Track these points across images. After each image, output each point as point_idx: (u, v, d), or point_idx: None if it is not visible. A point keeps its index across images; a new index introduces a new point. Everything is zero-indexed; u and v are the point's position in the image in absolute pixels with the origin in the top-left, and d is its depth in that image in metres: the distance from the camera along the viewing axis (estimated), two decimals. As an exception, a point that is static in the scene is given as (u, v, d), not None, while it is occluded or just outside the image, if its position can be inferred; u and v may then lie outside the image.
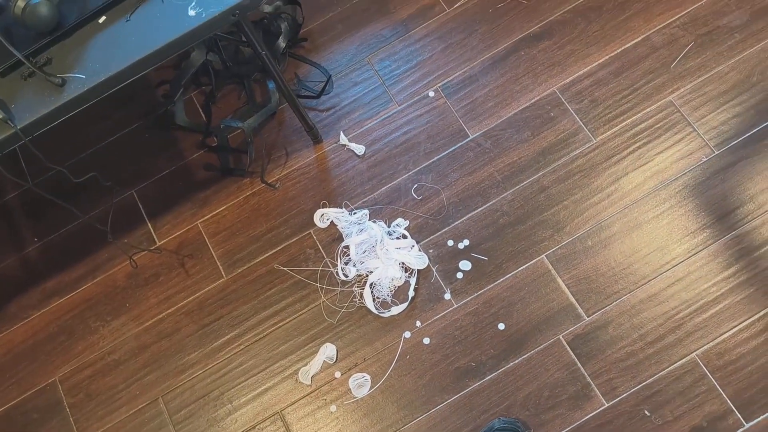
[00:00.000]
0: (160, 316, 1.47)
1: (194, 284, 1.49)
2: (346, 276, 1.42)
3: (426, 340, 1.36)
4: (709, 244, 1.34)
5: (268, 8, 1.60)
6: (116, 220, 1.54)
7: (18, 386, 1.47)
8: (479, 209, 1.44)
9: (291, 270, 1.46)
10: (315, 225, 1.49)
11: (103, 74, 1.03)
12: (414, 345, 1.37)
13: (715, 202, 1.36)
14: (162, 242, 1.53)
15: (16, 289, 1.55)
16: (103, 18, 1.06)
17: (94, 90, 1.03)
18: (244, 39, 1.57)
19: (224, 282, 1.48)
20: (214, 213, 1.54)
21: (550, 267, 1.38)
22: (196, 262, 1.50)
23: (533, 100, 1.51)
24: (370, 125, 1.55)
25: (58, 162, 1.61)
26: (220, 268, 1.49)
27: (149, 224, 1.55)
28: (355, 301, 1.41)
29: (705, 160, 1.40)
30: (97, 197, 1.58)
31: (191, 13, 1.04)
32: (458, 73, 1.56)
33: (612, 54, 1.51)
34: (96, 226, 1.51)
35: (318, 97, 1.58)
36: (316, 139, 1.55)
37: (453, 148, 1.50)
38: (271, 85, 1.59)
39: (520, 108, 1.51)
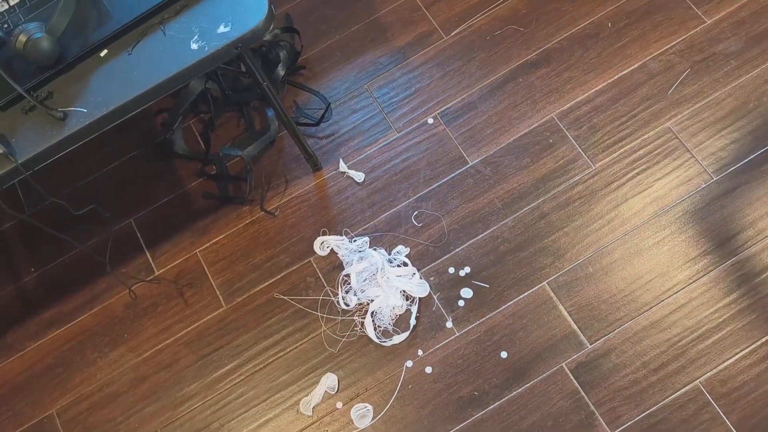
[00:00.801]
0: (159, 346, 1.46)
1: (193, 314, 1.48)
2: (347, 305, 1.41)
3: (428, 369, 1.35)
4: (710, 271, 1.34)
5: (266, 36, 1.61)
6: (114, 249, 1.53)
7: (14, 420, 1.44)
8: (480, 236, 1.44)
9: (291, 299, 1.45)
10: (315, 253, 1.48)
11: (104, 108, 1.02)
12: (416, 374, 1.35)
13: (715, 229, 1.37)
14: (160, 271, 1.52)
15: (13, 319, 1.53)
16: (105, 52, 1.06)
17: (96, 124, 1.02)
18: (243, 69, 1.57)
19: (224, 311, 1.46)
20: (214, 241, 1.53)
21: (552, 294, 1.37)
22: (195, 291, 1.49)
23: (532, 127, 1.51)
24: (369, 152, 1.55)
25: (55, 190, 1.62)
26: (220, 297, 1.48)
27: (148, 253, 1.54)
28: (357, 330, 1.40)
29: (704, 186, 1.41)
30: (95, 226, 1.57)
31: (194, 46, 1.04)
32: (457, 100, 1.57)
33: (609, 81, 1.53)
34: (93, 255, 1.50)
35: (317, 124, 1.58)
36: (316, 167, 1.54)
37: (453, 174, 1.50)
38: (270, 112, 1.59)
39: (519, 135, 1.51)
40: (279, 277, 1.47)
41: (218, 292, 1.48)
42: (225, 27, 1.04)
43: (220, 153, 1.56)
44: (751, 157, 1.41)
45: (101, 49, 1.06)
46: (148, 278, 1.51)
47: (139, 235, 1.56)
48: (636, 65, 1.53)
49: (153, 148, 1.63)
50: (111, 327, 1.49)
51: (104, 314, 1.50)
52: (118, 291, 1.52)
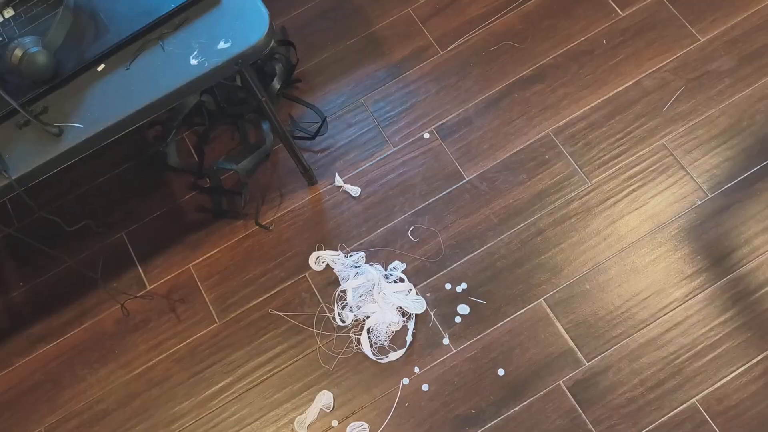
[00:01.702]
0: (150, 363, 1.43)
1: (185, 330, 1.45)
2: (343, 321, 1.40)
3: (425, 387, 1.34)
4: (706, 288, 1.35)
5: (262, 49, 1.59)
6: (105, 262, 1.50)
7: (1, 438, 1.41)
8: (476, 252, 1.43)
9: (286, 315, 1.43)
10: (310, 268, 1.46)
11: (101, 124, 1.01)
12: (413, 392, 1.34)
13: (711, 246, 1.38)
14: (152, 286, 1.50)
15: (0, 335, 1.50)
16: (102, 66, 1.04)
17: (93, 140, 1.01)
18: (239, 83, 1.56)
19: (217, 327, 1.44)
20: (207, 256, 1.51)
21: (549, 311, 1.37)
22: (187, 306, 1.47)
23: (528, 143, 1.52)
24: (365, 166, 1.54)
25: (45, 202, 1.59)
26: (213, 312, 1.46)
27: (139, 267, 1.52)
28: (352, 347, 1.38)
29: (699, 203, 1.41)
30: (86, 239, 1.55)
31: (193, 62, 1.02)
32: (453, 115, 1.56)
33: (605, 97, 1.53)
34: (84, 270, 1.47)
35: (313, 138, 1.57)
36: (311, 181, 1.53)
37: (449, 189, 1.50)
38: (266, 125, 1.58)
39: (515, 150, 1.51)
40: (273, 292, 1.46)
41: (211, 308, 1.46)
42: (225, 43, 1.03)
43: (214, 166, 1.54)
44: (745, 174, 1.42)
45: (98, 64, 1.04)
46: (140, 293, 1.48)
47: (130, 249, 1.54)
48: (631, 82, 1.54)
49: (146, 160, 1.61)
50: (101, 343, 1.46)
51: (94, 330, 1.47)
52: (108, 306, 1.49)
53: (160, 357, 1.44)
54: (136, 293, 1.48)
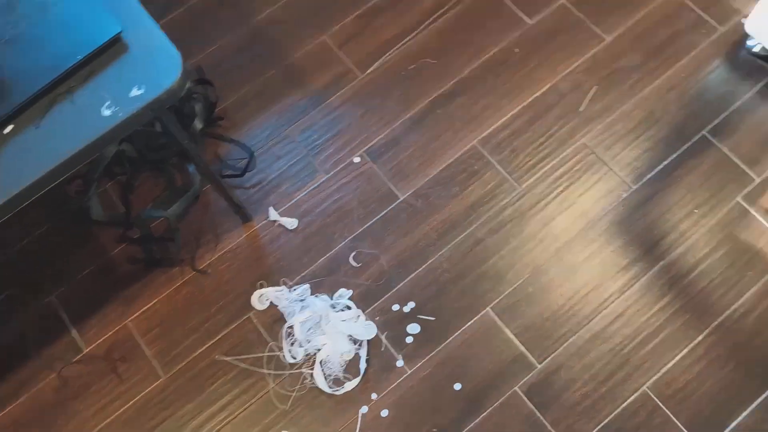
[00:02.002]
0: (97, 428, 1.36)
1: (130, 389, 1.39)
2: (294, 357, 1.37)
3: (384, 413, 1.33)
4: (641, 277, 1.39)
5: (179, 91, 1.56)
6: (37, 329, 1.43)
7: None
8: (420, 269, 1.44)
9: (234, 359, 1.39)
10: (254, 308, 1.43)
11: (15, 188, 0.96)
12: (372, 419, 1.33)
13: (641, 236, 1.43)
14: (89, 348, 1.43)
15: (-73, 422, 1.40)
16: (10, 127, 0.99)
17: (6, 206, 0.95)
18: (159, 129, 1.52)
19: (163, 382, 1.39)
20: (144, 309, 1.45)
21: (497, 319, 1.38)
22: (129, 365, 1.41)
23: (456, 156, 1.54)
24: (299, 197, 1.53)
25: (-37, 276, 1.49)
26: (157, 367, 1.40)
27: (73, 330, 1.44)
28: (306, 383, 1.36)
29: (625, 196, 1.46)
30: (14, 309, 1.46)
31: (106, 113, 0.99)
32: (380, 137, 1.57)
33: (524, 104, 1.57)
34: (12, 342, 1.39)
35: (242, 175, 1.54)
36: (246, 218, 1.50)
37: (385, 211, 1.50)
38: (192, 168, 1.54)
39: (445, 164, 1.53)
40: (218, 338, 1.41)
41: (154, 363, 1.41)
42: (138, 90, 1.00)
43: (142, 215, 1.49)
44: (664, 163, 1.49)
45: (5, 126, 0.99)
46: (76, 358, 1.41)
47: (62, 311, 1.46)
48: (546, 87, 1.59)
49: (68, 217, 1.54)
50: (42, 415, 1.38)
51: (33, 402, 1.39)
52: (44, 375, 1.41)
53: (107, 420, 1.37)
54: (73, 358, 1.41)
